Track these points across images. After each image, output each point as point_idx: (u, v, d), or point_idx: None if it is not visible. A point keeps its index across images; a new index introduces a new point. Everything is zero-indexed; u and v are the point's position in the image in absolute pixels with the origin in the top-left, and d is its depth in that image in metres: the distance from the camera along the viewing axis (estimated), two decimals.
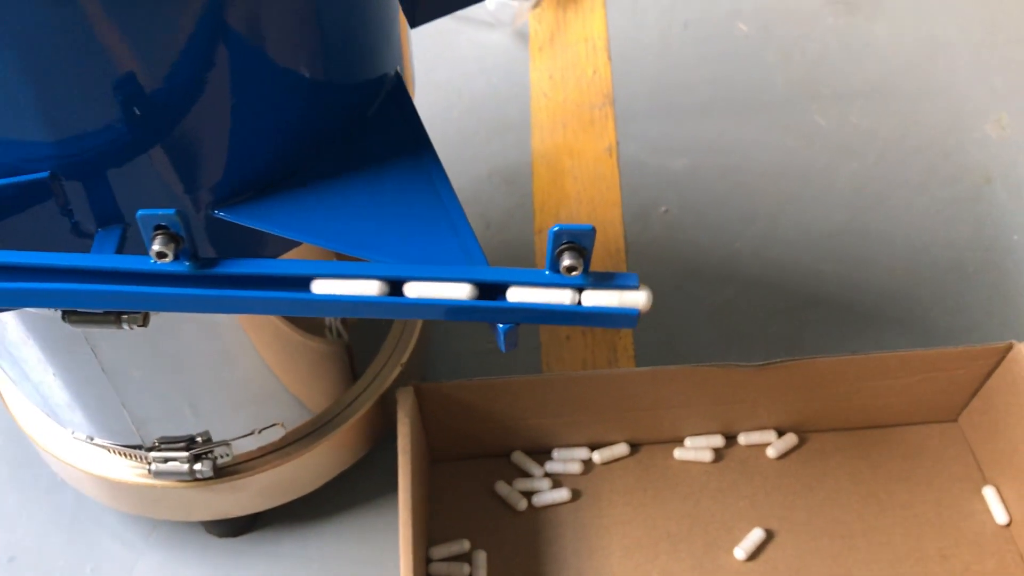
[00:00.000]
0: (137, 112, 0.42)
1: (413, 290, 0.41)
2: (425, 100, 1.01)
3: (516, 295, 0.42)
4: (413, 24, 0.57)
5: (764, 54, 1.09)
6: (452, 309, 0.42)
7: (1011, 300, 0.88)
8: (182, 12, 0.40)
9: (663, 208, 0.95)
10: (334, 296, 0.42)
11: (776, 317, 0.87)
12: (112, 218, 0.46)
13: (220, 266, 0.41)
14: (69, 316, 0.51)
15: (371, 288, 0.40)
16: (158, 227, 0.40)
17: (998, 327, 0.86)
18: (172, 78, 0.42)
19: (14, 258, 0.41)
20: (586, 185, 0.96)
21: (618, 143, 1.00)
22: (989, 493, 0.74)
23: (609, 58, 1.09)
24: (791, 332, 0.86)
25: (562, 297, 0.42)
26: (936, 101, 1.04)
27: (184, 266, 0.41)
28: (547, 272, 0.42)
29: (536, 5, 1.13)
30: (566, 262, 0.40)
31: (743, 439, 0.77)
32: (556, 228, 0.40)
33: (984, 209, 0.94)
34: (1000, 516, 0.73)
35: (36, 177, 0.42)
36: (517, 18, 1.10)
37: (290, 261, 0.42)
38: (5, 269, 0.41)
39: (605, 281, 0.41)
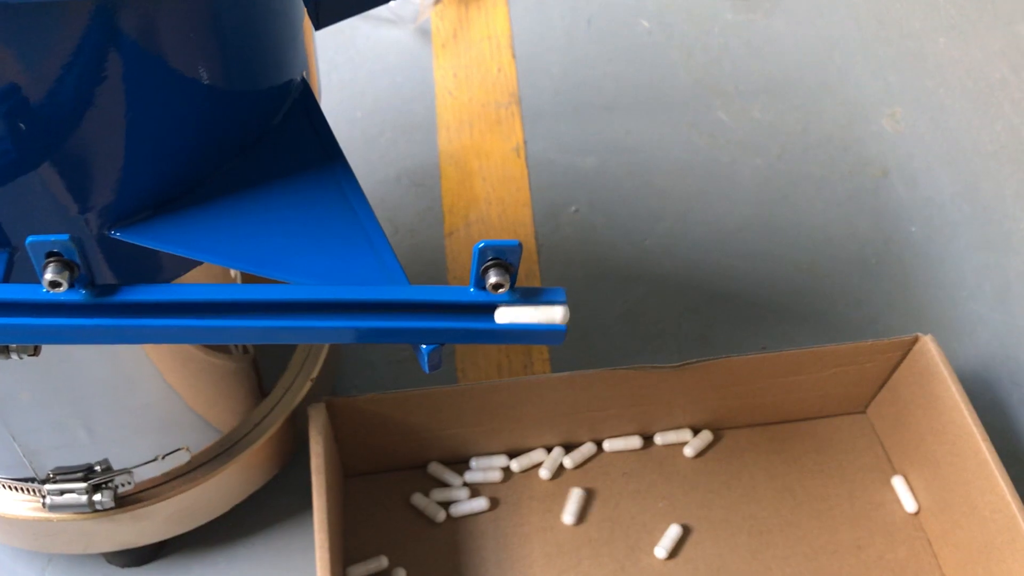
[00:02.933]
0: (21, 127, 0.39)
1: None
2: (327, 101, 0.97)
3: (439, 316, 0.40)
4: (318, 26, 0.54)
5: (667, 51, 1.10)
6: (371, 332, 0.40)
7: (911, 291, 0.90)
8: (68, 19, 0.37)
9: (573, 208, 0.94)
10: (243, 322, 0.39)
11: (688, 314, 0.88)
12: None
13: (120, 293, 0.38)
14: None
15: (288, 309, 0.38)
16: (50, 254, 0.37)
17: (900, 318, 0.88)
18: (59, 90, 0.39)
19: None
20: (495, 186, 0.95)
21: (526, 142, 0.99)
22: (898, 483, 0.76)
23: (513, 55, 1.08)
24: (703, 328, 0.87)
25: (488, 316, 0.40)
26: (834, 96, 1.06)
27: (80, 295, 0.38)
28: (472, 289, 0.40)
29: (437, 1, 1.11)
30: (492, 279, 0.39)
31: (660, 439, 0.77)
32: (481, 244, 0.38)
33: (883, 202, 0.97)
34: (909, 504, 0.75)
35: None
36: (419, 15, 1.08)
37: (196, 286, 0.39)
38: None
39: (532, 298, 0.40)
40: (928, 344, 0.72)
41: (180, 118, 0.44)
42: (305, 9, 0.51)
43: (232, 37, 0.44)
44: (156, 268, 0.47)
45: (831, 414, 0.80)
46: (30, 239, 0.36)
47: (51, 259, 0.37)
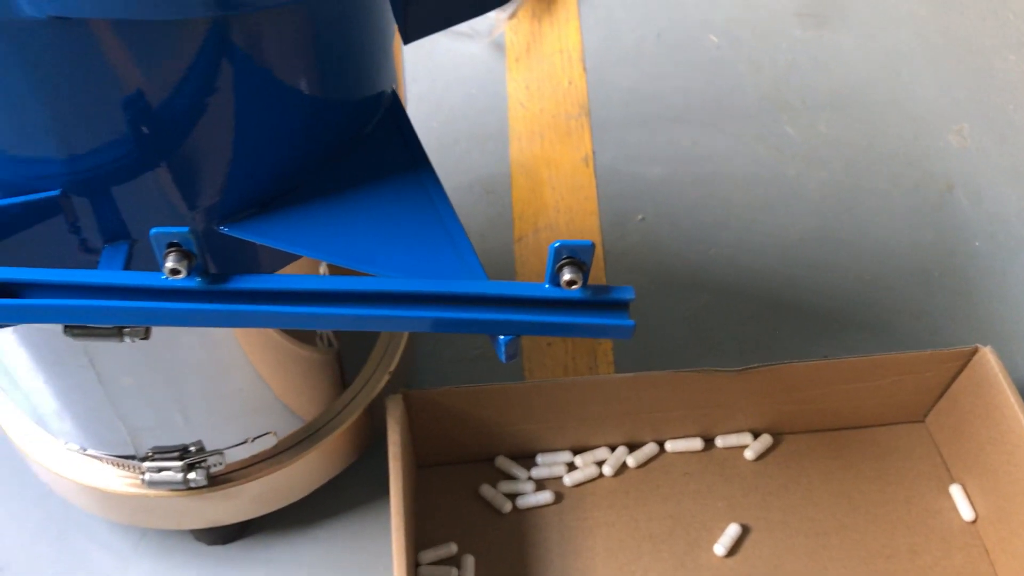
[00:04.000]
0: (144, 131, 0.44)
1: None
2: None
3: (516, 309, 0.44)
4: (406, 41, 0.58)
5: (735, 65, 1.12)
6: (455, 322, 0.44)
7: (973, 304, 0.91)
8: (186, 37, 0.41)
9: (639, 216, 0.97)
10: (340, 310, 0.43)
11: (749, 321, 0.90)
12: (119, 234, 0.47)
13: (231, 282, 0.42)
14: (71, 330, 0.52)
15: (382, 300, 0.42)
16: (171, 245, 0.41)
17: (961, 330, 0.89)
18: (176, 100, 0.43)
19: (28, 275, 0.42)
20: (564, 194, 0.98)
21: (594, 152, 1.02)
22: (956, 491, 0.77)
23: (584, 69, 1.11)
24: (764, 336, 0.89)
25: (562, 311, 0.43)
26: (900, 111, 1.07)
27: (195, 282, 0.42)
28: (547, 285, 0.44)
29: (512, 16, 1.15)
30: (566, 276, 0.42)
31: (720, 442, 0.80)
32: (557, 244, 0.42)
33: (947, 216, 0.98)
34: (966, 513, 0.76)
35: (47, 195, 0.43)
36: (494, 29, 1.12)
37: (298, 276, 0.43)
38: (20, 286, 0.42)
39: (603, 294, 0.43)
40: (987, 355, 0.73)
41: (284, 126, 0.48)
42: (396, 26, 0.55)
43: (332, 54, 0.48)
44: (256, 261, 0.52)
45: (890, 422, 0.82)
46: (154, 231, 0.41)
47: (172, 249, 0.41)
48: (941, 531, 0.76)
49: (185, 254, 0.41)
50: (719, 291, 0.92)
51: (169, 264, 0.41)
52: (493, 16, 1.11)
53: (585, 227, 0.95)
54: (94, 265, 0.47)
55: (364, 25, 0.50)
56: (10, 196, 0.43)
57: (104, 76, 0.40)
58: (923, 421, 0.82)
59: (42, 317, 0.42)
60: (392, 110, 0.54)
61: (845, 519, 0.77)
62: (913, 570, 0.74)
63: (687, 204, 0.99)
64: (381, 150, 0.53)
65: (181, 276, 0.41)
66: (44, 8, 0.36)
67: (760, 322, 0.90)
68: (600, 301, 0.44)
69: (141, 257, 0.47)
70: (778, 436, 0.81)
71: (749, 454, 0.79)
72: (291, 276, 0.43)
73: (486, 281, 0.45)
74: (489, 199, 0.98)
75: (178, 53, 0.42)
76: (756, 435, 0.80)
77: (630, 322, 0.44)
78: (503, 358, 0.45)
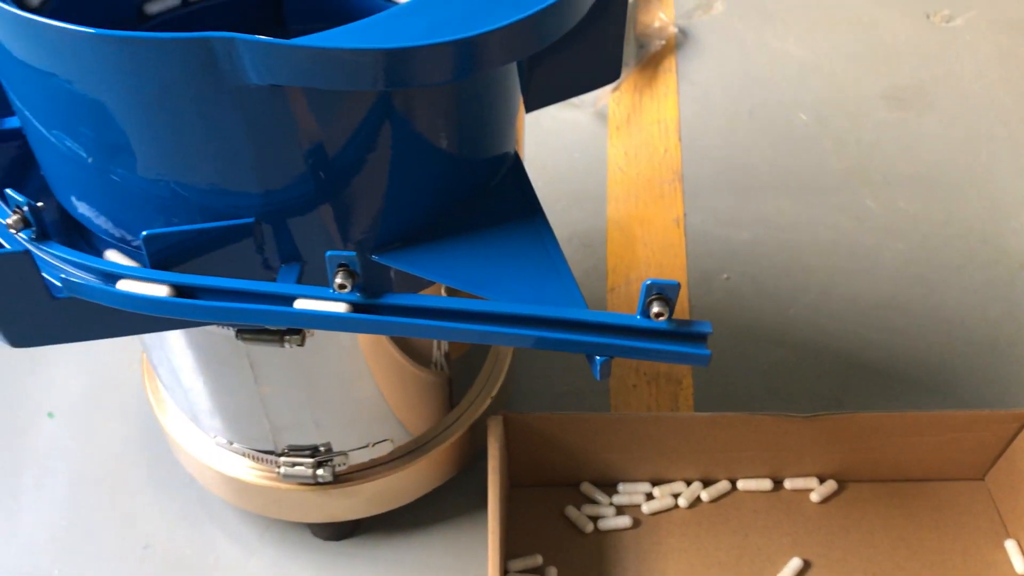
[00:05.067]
0: (321, 176, 0.55)
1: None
2: None
3: (611, 335, 0.53)
4: (528, 110, 0.69)
5: (821, 142, 1.21)
6: (559, 342, 0.53)
7: None
8: (359, 104, 0.52)
9: (725, 275, 1.06)
10: (466, 326, 0.53)
11: (823, 378, 0.97)
12: (293, 256, 0.58)
13: (385, 298, 0.53)
14: (243, 334, 0.63)
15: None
16: (340, 265, 0.52)
17: None
18: (347, 152, 0.54)
19: (226, 283, 0.53)
20: (655, 251, 1.07)
21: (685, 215, 1.11)
22: (1011, 546, 0.82)
23: (679, 139, 1.21)
24: (837, 392, 0.96)
25: (651, 338, 0.52)
26: (979, 191, 1.14)
27: (356, 296, 0.53)
28: (639, 316, 0.53)
29: (616, 89, 1.25)
30: (655, 309, 0.51)
31: (789, 484, 0.87)
32: (649, 281, 0.51)
33: (1019, 292, 1.04)
34: (1020, 566, 0.81)
35: (244, 221, 0.55)
36: (598, 100, 1.23)
37: (437, 297, 0.53)
38: (217, 292, 0.53)
39: (685, 327, 0.52)
40: None
41: (427, 178, 0.59)
42: (521, 98, 0.66)
43: (470, 122, 0.59)
44: (398, 284, 0.62)
45: (951, 478, 0.87)
46: (329, 253, 0.51)
47: (340, 268, 0.52)
48: None
49: (351, 273, 0.52)
50: (796, 348, 0.99)
51: (338, 280, 0.52)
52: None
53: None
54: (272, 280, 0.58)
55: (498, 98, 0.60)
56: (215, 220, 0.55)
57: (295, 130, 0.51)
58: (983, 479, 0.87)
59: (234, 318, 0.53)
60: (514, 167, 0.65)
61: (903, 563, 0.82)
62: None
63: (770, 267, 1.07)
64: (504, 199, 0.63)
65: (347, 290, 0.52)
66: (265, 78, 0.47)
67: (833, 379, 0.97)
68: (683, 332, 0.53)
69: (309, 276, 0.58)
70: (843, 483, 0.87)
71: (815, 497, 0.86)
72: (429, 296, 0.53)
73: (587, 310, 0.54)
74: (586, 252, 1.08)
75: (352, 116, 0.53)
76: (822, 480, 0.87)
77: (707, 352, 0.53)
78: (597, 376, 0.54)
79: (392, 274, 0.62)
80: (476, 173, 0.62)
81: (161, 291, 0.52)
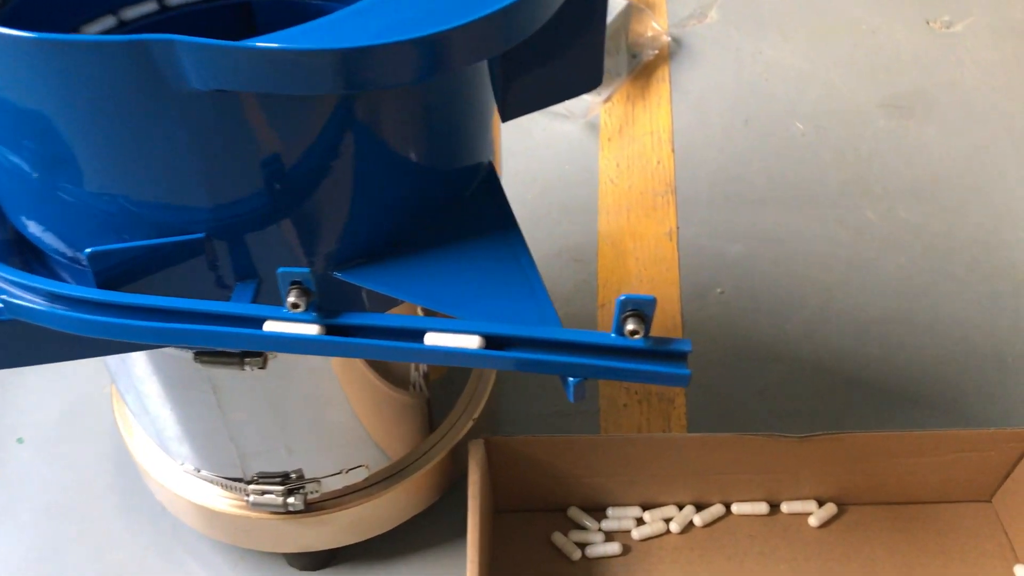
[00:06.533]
0: (276, 188, 0.51)
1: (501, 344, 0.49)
2: (504, 182, 1.10)
3: (585, 354, 0.49)
4: (504, 119, 0.66)
5: (819, 152, 1.17)
6: (530, 363, 0.50)
7: None
8: (316, 110, 0.49)
9: (719, 290, 1.02)
10: (429, 347, 0.50)
11: (822, 396, 0.93)
12: (249, 274, 0.54)
13: (341, 317, 0.49)
14: (201, 357, 0.60)
15: (470, 342, 0.48)
16: (294, 282, 0.48)
17: None
18: (304, 162, 0.51)
19: (172, 303, 0.50)
20: (647, 265, 1.04)
21: (678, 228, 1.08)
22: (1021, 571, 0.79)
23: (673, 150, 1.17)
24: (836, 411, 0.92)
25: (626, 358, 0.49)
26: (982, 201, 1.10)
27: (312, 315, 0.49)
28: (613, 335, 0.49)
29: (608, 99, 1.22)
30: (630, 326, 0.48)
31: (786, 508, 0.83)
32: (623, 297, 0.48)
33: (1023, 304, 1.00)
34: None
35: (194, 237, 0.51)
36: (590, 111, 1.20)
37: (400, 316, 0.50)
38: (165, 312, 0.50)
39: (663, 345, 0.49)
40: None
41: (392, 189, 0.55)
42: (496, 106, 0.63)
43: (437, 129, 0.55)
44: (363, 303, 0.59)
45: (956, 500, 0.83)
46: (281, 269, 0.48)
47: (294, 286, 0.49)
48: None
49: (305, 291, 0.49)
50: (793, 365, 0.96)
51: (291, 299, 0.48)
52: (589, 99, 1.19)
53: (665, 297, 1.01)
54: (228, 299, 0.55)
55: (467, 104, 0.57)
56: (164, 236, 0.51)
57: (246, 139, 0.48)
58: (990, 501, 0.83)
59: (181, 340, 0.50)
60: (488, 179, 0.61)
61: None
62: None
63: (766, 281, 1.03)
64: (476, 213, 0.60)
65: (300, 310, 0.49)
66: (209, 83, 0.44)
67: (832, 397, 0.93)
68: (660, 351, 0.49)
69: (267, 295, 0.55)
70: (843, 506, 0.83)
71: (813, 521, 0.82)
72: (390, 315, 0.49)
73: (559, 328, 0.51)
74: (576, 267, 1.04)
75: (309, 123, 0.49)
76: (821, 503, 0.83)
77: (686, 371, 0.49)
78: (571, 398, 0.51)
79: (364, 295, 0.59)
80: (445, 184, 0.58)
81: (102, 313, 0.49)
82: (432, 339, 0.48)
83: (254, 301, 0.54)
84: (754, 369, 0.95)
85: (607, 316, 0.99)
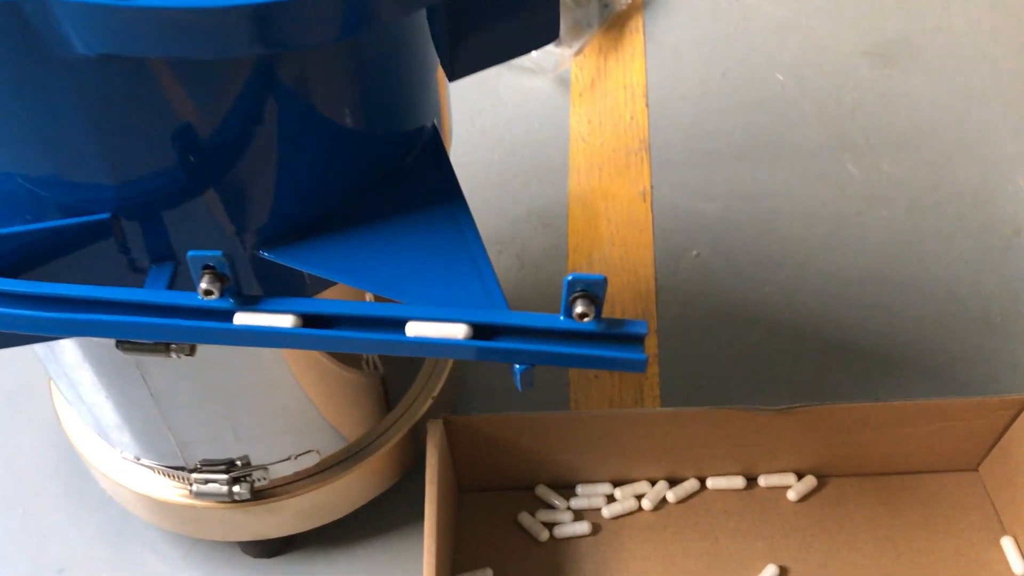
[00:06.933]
0: (189, 161, 0.46)
1: (424, 329, 0.44)
2: (468, 144, 1.05)
3: (531, 339, 0.45)
4: (452, 78, 0.60)
5: (800, 104, 1.12)
6: (471, 350, 0.45)
7: None
8: (229, 74, 0.44)
9: (695, 252, 0.98)
10: (358, 335, 0.45)
11: (802, 362, 0.89)
12: (165, 256, 0.50)
13: (261, 304, 0.45)
14: (122, 344, 0.55)
15: (397, 328, 0.44)
16: (206, 267, 0.44)
17: (1022, 379, 0.87)
18: (220, 132, 0.46)
19: (75, 291, 0.45)
20: (620, 227, 0.99)
21: (652, 187, 1.03)
22: (1007, 543, 0.75)
23: (647, 105, 1.12)
24: (816, 377, 0.88)
25: (575, 342, 0.44)
26: (969, 153, 1.06)
27: (228, 303, 0.45)
28: (561, 318, 0.45)
29: (578, 53, 1.17)
30: (578, 309, 0.43)
31: (763, 481, 0.79)
32: (571, 277, 0.43)
33: (1012, 261, 0.96)
34: (1017, 566, 0.74)
35: (98, 218, 0.47)
36: (559, 65, 1.14)
37: (320, 300, 0.45)
38: (67, 301, 0.45)
39: (616, 328, 0.44)
40: None
41: (322, 158, 0.50)
42: (440, 63, 0.58)
43: (370, 91, 0.50)
44: (299, 285, 0.54)
45: (941, 470, 0.80)
46: (190, 253, 0.43)
47: (206, 271, 0.44)
48: None
49: (219, 276, 0.44)
50: (772, 329, 0.92)
51: (203, 285, 0.44)
52: (558, 52, 1.13)
53: (639, 261, 0.96)
54: (143, 284, 0.50)
55: (404, 63, 0.52)
56: (66, 217, 0.47)
57: (149, 108, 0.43)
58: (976, 470, 0.80)
59: (83, 331, 0.45)
60: (431, 144, 0.56)
61: (889, 567, 0.75)
62: None
63: (743, 241, 0.99)
64: (418, 182, 0.55)
65: (214, 296, 0.44)
66: (93, 47, 0.39)
67: (813, 362, 0.89)
68: (613, 334, 0.45)
69: (186, 278, 0.50)
70: (823, 478, 0.80)
71: (792, 495, 0.79)
72: (314, 300, 0.45)
73: (503, 311, 0.46)
74: (546, 231, 0.99)
75: (221, 89, 0.44)
76: (800, 476, 0.79)
77: (643, 356, 0.45)
78: (519, 387, 0.47)
79: (300, 275, 0.54)
80: (382, 152, 0.53)
81: None
82: (355, 325, 0.44)
83: (172, 285, 0.49)
84: (730, 334, 0.91)
85: None
